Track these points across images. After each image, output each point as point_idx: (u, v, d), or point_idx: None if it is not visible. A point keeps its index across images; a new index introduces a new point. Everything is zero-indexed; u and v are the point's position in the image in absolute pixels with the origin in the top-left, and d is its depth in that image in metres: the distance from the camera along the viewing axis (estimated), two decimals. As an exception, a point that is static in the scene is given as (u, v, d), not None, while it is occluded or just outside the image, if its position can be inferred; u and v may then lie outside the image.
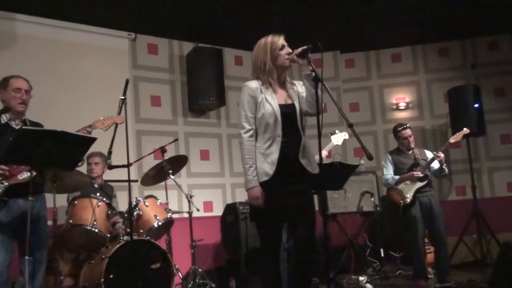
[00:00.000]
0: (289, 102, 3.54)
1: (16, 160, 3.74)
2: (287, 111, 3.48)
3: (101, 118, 4.21)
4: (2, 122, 4.09)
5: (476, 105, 7.45)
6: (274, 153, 3.39)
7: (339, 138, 5.83)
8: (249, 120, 3.47)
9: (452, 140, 5.82)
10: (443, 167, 5.70)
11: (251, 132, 3.46)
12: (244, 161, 3.44)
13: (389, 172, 5.91)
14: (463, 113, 7.44)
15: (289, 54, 3.48)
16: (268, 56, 3.50)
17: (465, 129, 5.95)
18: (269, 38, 3.54)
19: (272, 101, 3.45)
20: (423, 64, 8.48)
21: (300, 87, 3.60)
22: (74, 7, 6.32)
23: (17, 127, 4.09)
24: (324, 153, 5.17)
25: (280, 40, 3.52)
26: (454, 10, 7.16)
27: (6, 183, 3.88)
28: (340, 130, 5.95)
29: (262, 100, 3.46)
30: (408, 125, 5.91)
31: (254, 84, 3.52)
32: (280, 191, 3.38)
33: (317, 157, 3.52)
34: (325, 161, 5.09)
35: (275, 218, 3.43)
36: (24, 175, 3.93)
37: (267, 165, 3.38)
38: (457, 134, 5.87)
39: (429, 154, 5.85)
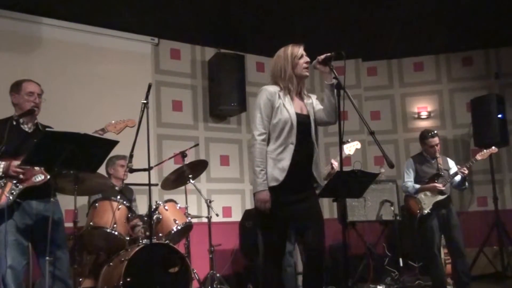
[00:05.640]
0: (305, 112, 3.58)
1: (40, 162, 3.79)
2: (302, 120, 3.52)
3: (113, 122, 4.24)
4: (15, 124, 4.09)
5: (499, 115, 7.37)
6: (286, 159, 3.41)
7: (351, 147, 5.52)
8: (264, 123, 3.49)
9: (479, 157, 5.74)
10: (465, 181, 5.65)
11: (264, 136, 3.48)
12: (255, 164, 3.45)
13: (409, 179, 5.81)
14: (486, 123, 7.38)
15: (307, 63, 3.54)
16: (288, 64, 3.54)
17: (494, 147, 5.86)
18: (289, 48, 3.59)
19: (289, 108, 3.48)
20: (446, 73, 8.40)
21: (315, 101, 3.65)
22: (98, 12, 6.39)
23: (29, 131, 4.13)
24: (335, 164, 5.14)
25: (300, 50, 3.56)
26: (478, 19, 7.09)
27: (21, 186, 3.91)
28: (352, 139, 5.59)
29: (279, 106, 3.48)
30: (436, 132, 5.77)
31: (272, 88, 3.55)
32: (287, 197, 3.42)
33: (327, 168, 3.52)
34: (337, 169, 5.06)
35: (281, 224, 3.47)
36: (38, 178, 3.96)
37: (277, 171, 3.41)
38: (485, 151, 5.78)
39: (451, 163, 5.77)
